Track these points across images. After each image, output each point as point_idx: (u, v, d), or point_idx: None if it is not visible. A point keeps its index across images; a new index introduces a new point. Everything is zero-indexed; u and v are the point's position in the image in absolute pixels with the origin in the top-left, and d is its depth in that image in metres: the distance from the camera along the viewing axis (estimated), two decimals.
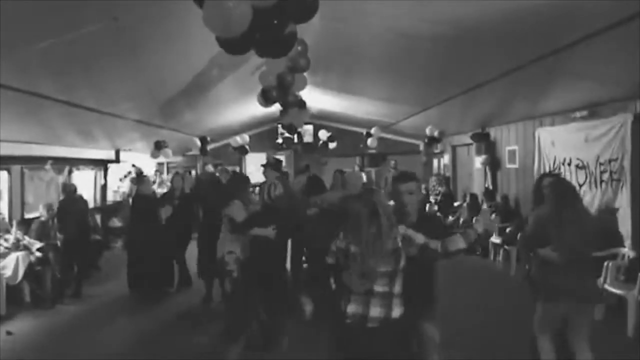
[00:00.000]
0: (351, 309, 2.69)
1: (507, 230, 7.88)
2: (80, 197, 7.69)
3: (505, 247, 7.87)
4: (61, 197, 7.61)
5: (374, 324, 2.64)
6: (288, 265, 5.49)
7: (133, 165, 11.19)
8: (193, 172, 14.48)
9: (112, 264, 8.30)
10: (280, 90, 5.45)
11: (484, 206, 9.10)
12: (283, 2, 2.50)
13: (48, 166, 8.23)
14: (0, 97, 4.59)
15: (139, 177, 8.36)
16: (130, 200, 8.21)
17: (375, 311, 2.66)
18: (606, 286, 5.18)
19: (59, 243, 7.34)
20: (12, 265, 6.12)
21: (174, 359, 4.74)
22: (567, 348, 3.63)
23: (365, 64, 6.94)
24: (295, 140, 13.05)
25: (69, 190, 7.53)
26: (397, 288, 2.71)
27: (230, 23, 2.54)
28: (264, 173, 6.52)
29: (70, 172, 9.05)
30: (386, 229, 2.70)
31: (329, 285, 3.11)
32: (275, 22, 2.59)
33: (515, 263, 7.45)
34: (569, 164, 7.05)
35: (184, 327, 5.54)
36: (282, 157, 12.95)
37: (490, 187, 9.63)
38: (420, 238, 2.76)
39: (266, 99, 5.58)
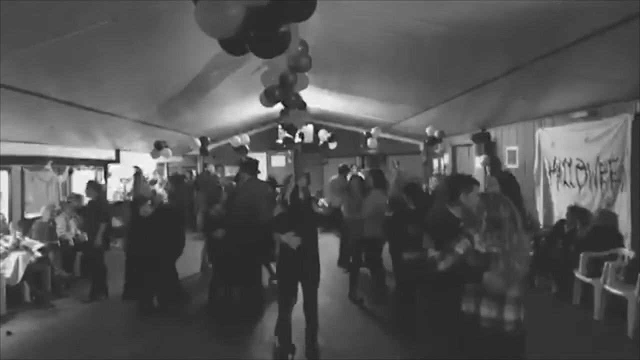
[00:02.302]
0: (485, 312, 2.82)
1: None
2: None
3: None
4: (91, 197, 7.14)
5: (510, 327, 2.78)
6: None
7: (136, 167, 11.04)
8: (194, 172, 14.55)
9: (112, 264, 8.28)
10: (282, 90, 5.45)
11: None
12: (278, 1, 2.51)
13: (48, 166, 8.24)
14: (1, 97, 4.60)
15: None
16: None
17: (510, 315, 2.80)
18: (606, 286, 5.19)
19: (59, 243, 7.35)
20: (12, 266, 6.12)
21: (175, 358, 4.75)
22: None
23: (366, 64, 6.94)
24: (296, 140, 13.04)
25: (103, 189, 7.39)
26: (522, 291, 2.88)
27: (222, 24, 2.55)
28: (239, 175, 6.62)
29: (70, 172, 9.05)
30: (524, 232, 2.93)
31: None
32: (269, 20, 2.58)
33: None
34: (569, 164, 7.05)
35: (185, 325, 5.56)
36: (258, 157, 12.78)
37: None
38: None
39: (269, 99, 5.59)
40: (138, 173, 10.56)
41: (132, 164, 11.13)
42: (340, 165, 10.02)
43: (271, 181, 8.74)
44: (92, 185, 7.19)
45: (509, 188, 4.18)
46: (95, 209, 6.92)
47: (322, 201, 12.08)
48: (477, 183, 3.83)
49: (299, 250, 4.29)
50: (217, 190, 7.29)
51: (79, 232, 7.85)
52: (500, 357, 2.83)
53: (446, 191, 3.89)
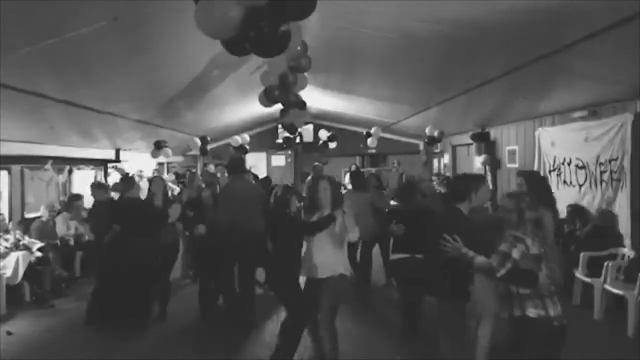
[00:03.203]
0: (532, 312, 2.90)
1: None
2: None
3: None
4: (100, 198, 6.53)
5: (558, 322, 2.91)
6: None
7: (115, 167, 10.45)
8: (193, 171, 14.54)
9: None
10: (282, 90, 5.45)
11: None
12: (278, 0, 2.51)
13: (48, 166, 8.24)
14: (1, 97, 4.59)
15: (126, 180, 6.33)
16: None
17: (556, 310, 2.92)
18: (606, 286, 5.19)
19: (59, 243, 7.35)
20: (12, 265, 6.12)
21: (177, 358, 4.75)
22: None
23: (366, 64, 6.94)
24: (298, 140, 13.04)
25: (109, 190, 7.05)
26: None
27: (221, 25, 2.56)
28: (228, 176, 5.85)
29: (70, 171, 9.06)
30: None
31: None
32: (269, 20, 2.59)
33: None
34: (569, 164, 7.05)
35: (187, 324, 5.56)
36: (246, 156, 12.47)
37: (490, 187, 9.62)
38: None
39: (268, 98, 5.59)
40: (127, 175, 10.22)
41: (132, 164, 11.13)
42: (315, 164, 9.60)
43: (265, 181, 8.15)
44: (99, 186, 6.80)
45: (538, 188, 4.04)
46: (105, 210, 6.36)
47: None
48: (486, 180, 3.84)
49: (279, 259, 4.17)
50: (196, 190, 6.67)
51: (81, 229, 7.82)
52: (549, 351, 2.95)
53: (455, 189, 3.81)
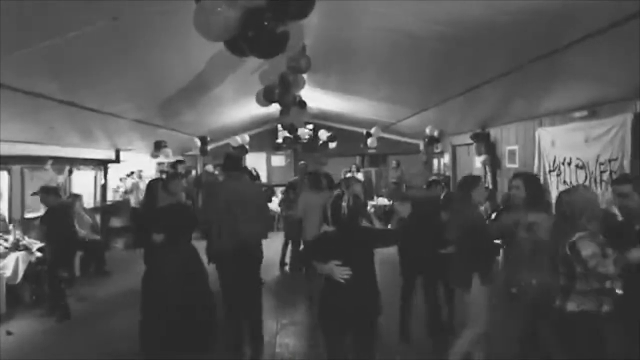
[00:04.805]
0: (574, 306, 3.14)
1: None
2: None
3: None
4: (51, 204, 6.25)
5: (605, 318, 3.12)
6: None
7: (177, 162, 10.95)
8: (193, 172, 14.54)
9: (112, 264, 8.31)
10: (281, 90, 5.46)
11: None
12: (276, 1, 2.52)
13: (48, 166, 8.24)
14: (1, 97, 4.60)
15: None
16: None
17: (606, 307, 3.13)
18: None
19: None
20: (12, 265, 6.13)
21: (178, 358, 4.75)
22: None
23: (365, 64, 6.94)
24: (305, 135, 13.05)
25: (61, 194, 6.85)
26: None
27: (218, 28, 2.56)
28: (224, 174, 5.22)
29: (70, 172, 9.06)
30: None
31: None
32: (267, 20, 2.59)
33: None
34: (569, 164, 7.05)
35: None
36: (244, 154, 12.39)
37: (490, 187, 9.62)
38: None
39: (267, 98, 5.59)
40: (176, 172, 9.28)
41: (132, 164, 11.12)
42: (301, 163, 9.56)
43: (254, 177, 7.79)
44: (49, 191, 6.34)
45: (535, 191, 4.06)
46: (59, 218, 6.19)
47: (379, 201, 11.73)
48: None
49: (348, 286, 3.16)
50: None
51: (81, 230, 7.83)
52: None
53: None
